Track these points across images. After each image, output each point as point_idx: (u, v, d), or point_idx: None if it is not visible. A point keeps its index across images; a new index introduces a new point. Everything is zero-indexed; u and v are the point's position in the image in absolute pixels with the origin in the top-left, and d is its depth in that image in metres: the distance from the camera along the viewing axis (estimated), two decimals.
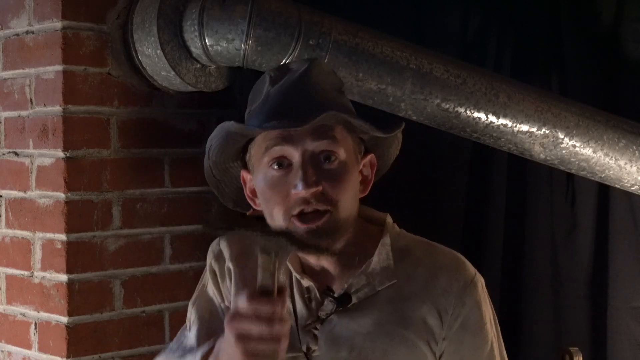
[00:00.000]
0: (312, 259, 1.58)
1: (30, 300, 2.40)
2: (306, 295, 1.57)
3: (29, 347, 2.40)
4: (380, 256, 1.57)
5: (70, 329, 2.30)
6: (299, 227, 1.48)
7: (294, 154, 1.49)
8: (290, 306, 1.56)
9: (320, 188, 1.47)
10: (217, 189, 1.67)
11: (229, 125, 1.53)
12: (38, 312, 2.38)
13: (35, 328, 2.38)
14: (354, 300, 1.54)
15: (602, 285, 2.90)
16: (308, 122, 1.45)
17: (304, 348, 1.54)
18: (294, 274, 1.59)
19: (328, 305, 1.55)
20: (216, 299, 1.68)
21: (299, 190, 1.47)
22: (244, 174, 1.61)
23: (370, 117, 1.56)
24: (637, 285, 2.87)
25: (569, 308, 2.96)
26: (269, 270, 1.35)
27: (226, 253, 1.67)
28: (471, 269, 1.59)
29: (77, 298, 2.31)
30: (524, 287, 2.97)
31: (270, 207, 1.52)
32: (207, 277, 1.71)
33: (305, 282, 1.57)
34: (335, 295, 1.54)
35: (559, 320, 2.96)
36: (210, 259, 1.70)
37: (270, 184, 1.52)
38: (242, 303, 1.34)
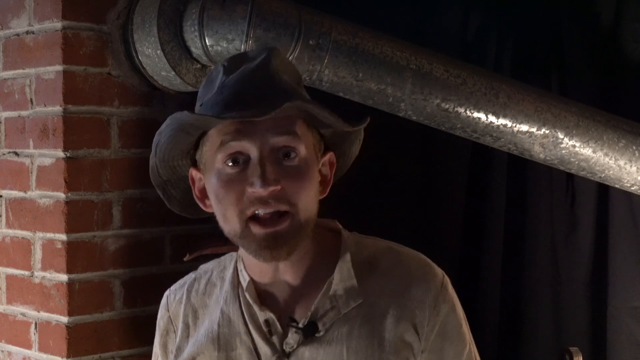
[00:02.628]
0: (267, 275, 1.47)
1: (31, 300, 2.40)
2: (266, 329, 1.46)
3: (29, 347, 2.40)
4: (342, 274, 1.46)
5: (70, 329, 2.30)
6: (258, 231, 1.37)
7: (252, 150, 1.36)
8: (249, 343, 1.46)
9: (279, 187, 1.35)
10: (162, 191, 1.53)
11: (181, 115, 1.37)
12: (38, 312, 2.38)
13: (36, 328, 2.38)
14: (320, 327, 1.43)
15: (602, 285, 2.90)
16: (272, 111, 1.32)
17: None
18: (252, 305, 1.48)
19: (293, 336, 1.43)
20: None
21: (257, 188, 1.35)
22: (193, 172, 1.47)
23: (333, 110, 1.45)
24: (637, 285, 2.87)
25: (569, 308, 2.96)
26: None
27: (173, 301, 1.60)
28: (439, 271, 1.49)
29: (77, 298, 2.31)
30: (524, 287, 2.97)
31: (224, 208, 1.40)
32: (156, 333, 1.62)
33: (264, 315, 1.46)
34: (300, 325, 1.43)
35: (559, 320, 2.97)
36: (160, 311, 1.62)
37: (224, 183, 1.39)
38: None
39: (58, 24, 2.29)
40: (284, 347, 1.44)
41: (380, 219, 2.67)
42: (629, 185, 2.66)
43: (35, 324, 2.39)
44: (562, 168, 2.62)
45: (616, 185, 2.69)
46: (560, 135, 2.48)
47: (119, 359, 2.39)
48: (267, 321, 1.46)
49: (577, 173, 2.64)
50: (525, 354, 2.91)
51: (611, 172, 2.59)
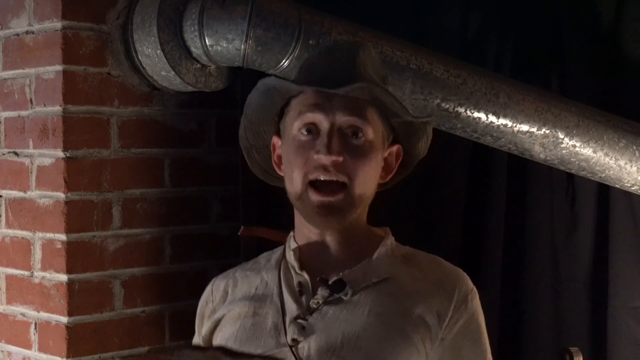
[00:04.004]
0: (314, 245, 1.59)
1: (30, 300, 2.40)
2: (297, 289, 1.58)
3: (29, 347, 2.40)
4: (380, 253, 1.60)
5: (70, 329, 2.30)
6: (314, 198, 1.52)
7: (324, 123, 1.52)
8: (278, 302, 1.57)
9: (341, 158, 1.50)
10: (247, 155, 1.68)
11: (270, 80, 1.58)
12: (38, 312, 2.38)
13: (35, 328, 2.38)
14: (348, 289, 1.54)
15: (602, 285, 2.90)
16: (343, 88, 1.49)
17: (289, 341, 1.52)
18: (292, 267, 1.60)
19: (321, 292, 1.54)
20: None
21: (321, 155, 1.50)
22: (275, 139, 1.64)
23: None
24: (637, 285, 2.87)
25: (569, 308, 2.96)
26: None
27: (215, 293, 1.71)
28: (470, 282, 1.61)
29: (77, 298, 2.31)
30: (524, 287, 2.97)
31: (292, 170, 1.55)
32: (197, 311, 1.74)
33: (298, 277, 1.58)
34: (329, 282, 1.55)
35: (559, 320, 2.96)
36: (205, 290, 1.74)
37: (296, 147, 1.54)
38: None
39: (58, 24, 2.29)
40: (310, 304, 1.54)
41: (380, 219, 2.66)
42: (629, 185, 2.66)
43: (35, 324, 2.38)
44: (562, 168, 2.62)
45: (616, 185, 2.69)
46: (561, 135, 2.48)
47: (119, 359, 2.39)
48: (300, 283, 1.57)
49: (578, 173, 2.64)
50: (525, 354, 2.91)
51: (611, 172, 2.59)
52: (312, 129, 1.54)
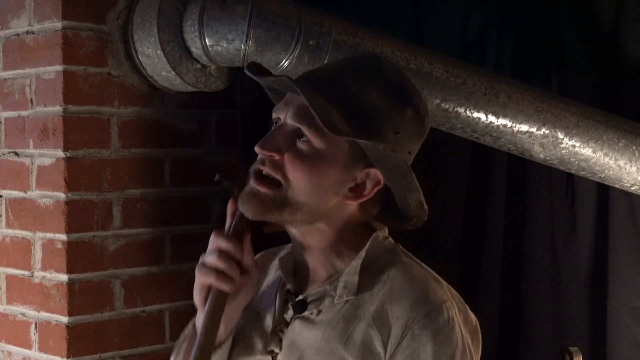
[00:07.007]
0: (295, 250, 1.57)
1: (31, 300, 2.40)
2: (285, 297, 1.56)
3: (29, 347, 2.40)
4: (350, 269, 1.51)
5: (70, 328, 2.30)
6: (249, 184, 1.48)
7: (281, 120, 1.50)
8: (273, 306, 1.57)
9: (274, 155, 1.46)
10: None
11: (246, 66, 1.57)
12: (38, 312, 2.38)
13: (36, 328, 2.39)
14: (311, 308, 1.51)
15: (602, 285, 2.90)
16: (263, 77, 1.51)
17: (269, 350, 1.54)
18: (280, 273, 1.59)
19: (289, 309, 1.54)
20: None
21: (256, 146, 1.47)
22: None
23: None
24: (637, 285, 2.87)
25: (569, 308, 2.96)
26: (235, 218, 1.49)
27: None
28: (437, 299, 1.45)
29: (77, 298, 2.31)
30: (524, 287, 2.97)
31: None
32: None
33: (288, 285, 1.56)
34: (296, 300, 1.53)
35: (559, 320, 2.97)
36: None
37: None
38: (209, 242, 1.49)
39: (58, 24, 2.29)
40: (285, 317, 1.54)
41: None
42: (629, 185, 2.66)
43: (35, 324, 2.39)
44: (562, 168, 2.62)
45: (616, 185, 2.69)
46: (560, 135, 2.48)
47: (119, 359, 2.39)
48: (288, 290, 1.56)
49: (577, 173, 2.64)
50: (525, 354, 2.91)
51: (611, 172, 2.59)
52: (276, 123, 1.51)
